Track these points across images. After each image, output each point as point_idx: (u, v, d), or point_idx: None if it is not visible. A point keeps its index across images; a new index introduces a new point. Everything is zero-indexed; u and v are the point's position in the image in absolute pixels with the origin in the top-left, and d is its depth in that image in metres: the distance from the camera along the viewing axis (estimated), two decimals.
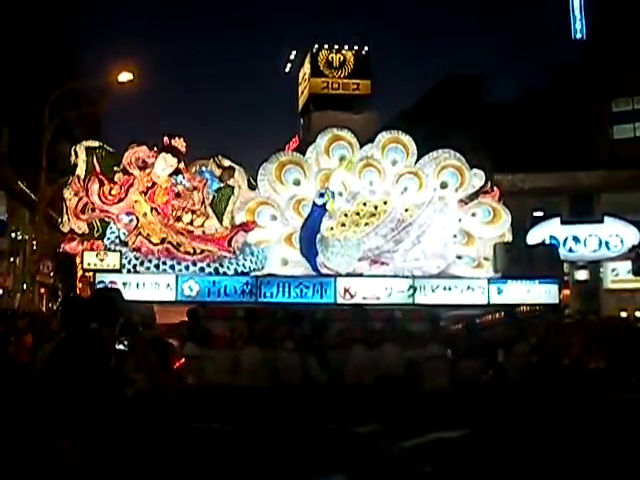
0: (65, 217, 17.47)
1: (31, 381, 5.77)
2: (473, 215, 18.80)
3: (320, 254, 17.41)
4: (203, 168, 18.12)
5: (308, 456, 11.51)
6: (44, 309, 33.57)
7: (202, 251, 17.37)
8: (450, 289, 17.58)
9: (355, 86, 76.65)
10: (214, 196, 17.86)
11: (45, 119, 28.17)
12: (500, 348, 16.76)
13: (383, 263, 18.05)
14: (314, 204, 17.47)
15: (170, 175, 17.56)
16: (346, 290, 17.06)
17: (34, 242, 31.90)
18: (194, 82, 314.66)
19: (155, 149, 17.67)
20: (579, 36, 40.34)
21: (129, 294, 14.78)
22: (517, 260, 18.18)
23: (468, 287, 17.69)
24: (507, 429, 13.48)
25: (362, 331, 16.17)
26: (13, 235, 35.37)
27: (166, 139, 17.71)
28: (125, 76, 28.01)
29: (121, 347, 6.23)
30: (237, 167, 18.27)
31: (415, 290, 17.30)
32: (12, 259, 35.83)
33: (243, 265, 17.29)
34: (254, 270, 17.38)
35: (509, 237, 19.11)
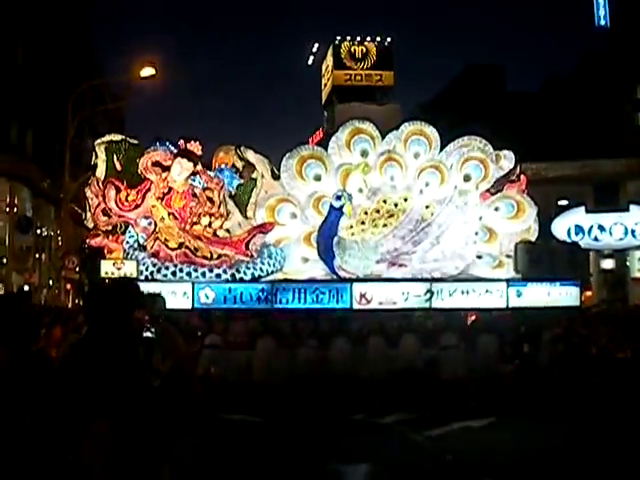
0: (89, 214, 17.57)
1: (57, 374, 5.81)
2: (496, 210, 18.43)
3: (337, 257, 17.28)
4: (223, 166, 18.05)
5: (334, 445, 11.62)
6: (70, 304, 33.84)
7: (219, 256, 17.33)
8: (468, 293, 17.24)
9: (378, 77, 76.28)
10: (237, 190, 17.83)
11: (68, 117, 28.32)
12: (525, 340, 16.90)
13: (401, 265, 17.80)
14: (331, 206, 17.32)
15: (187, 178, 17.51)
16: (362, 295, 16.85)
17: (59, 238, 32.19)
18: (217, 78, 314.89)
19: (172, 151, 17.63)
20: (602, 23, 40.04)
21: None
22: (538, 261, 17.86)
23: (486, 290, 17.31)
24: (533, 417, 13.55)
25: (379, 324, 16.40)
26: (39, 232, 35.74)
27: (182, 143, 17.66)
28: (147, 71, 28.10)
29: (149, 334, 6.29)
30: (261, 157, 18.18)
31: (432, 294, 16.99)
32: (38, 255, 36.18)
33: (260, 269, 17.21)
34: (272, 273, 17.33)
35: (535, 228, 18.85)
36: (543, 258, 18.02)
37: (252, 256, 17.32)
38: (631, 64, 36.65)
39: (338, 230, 17.40)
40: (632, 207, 32.44)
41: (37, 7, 35.38)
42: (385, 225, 17.84)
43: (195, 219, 17.43)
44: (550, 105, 38.29)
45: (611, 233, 32.31)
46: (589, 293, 30.66)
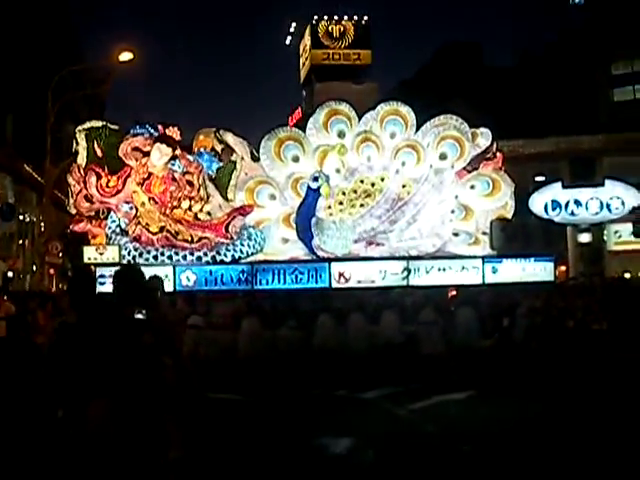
0: (71, 200, 17.78)
1: (44, 361, 5.96)
2: (472, 188, 18.79)
3: (315, 237, 17.57)
4: (202, 150, 18.25)
5: (316, 421, 11.93)
6: (54, 289, 33.97)
7: (200, 239, 17.66)
8: (445, 270, 17.58)
9: (356, 56, 76.31)
10: (217, 174, 18.07)
11: (48, 103, 28.37)
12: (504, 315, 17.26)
13: (379, 244, 18.12)
14: (308, 188, 17.64)
15: (166, 163, 17.76)
16: (341, 274, 17.17)
17: (42, 224, 32.27)
18: (196, 59, 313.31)
19: (152, 135, 17.82)
20: (577, 0, 40.40)
21: None
22: (513, 238, 18.20)
23: (463, 267, 17.66)
24: (512, 389, 13.91)
25: (359, 302, 16.75)
26: (21, 217, 35.73)
27: (160, 128, 17.92)
28: (126, 55, 28.19)
29: (139, 316, 6.52)
30: (240, 139, 18.39)
31: (409, 272, 17.32)
32: (21, 241, 36.25)
33: (240, 250, 17.54)
34: (252, 254, 17.64)
35: (511, 205, 19.16)
36: (518, 235, 18.37)
37: (232, 238, 17.61)
38: (606, 41, 36.99)
39: (316, 211, 17.69)
40: (607, 182, 32.80)
41: None
42: (362, 205, 18.15)
43: (175, 203, 17.70)
44: (526, 82, 38.58)
45: (587, 208, 32.68)
46: (563, 268, 31.05)
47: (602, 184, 33.08)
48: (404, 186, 18.36)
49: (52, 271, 36.23)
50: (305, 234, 17.63)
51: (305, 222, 17.59)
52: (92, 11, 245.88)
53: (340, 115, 18.62)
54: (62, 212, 39.84)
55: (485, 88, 37.88)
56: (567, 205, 32.25)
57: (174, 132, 17.89)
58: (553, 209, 30.66)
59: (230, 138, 18.22)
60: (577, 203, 32.63)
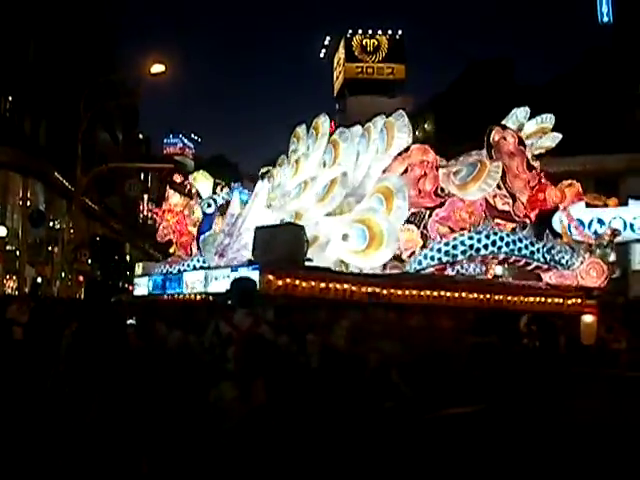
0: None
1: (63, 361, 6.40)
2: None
3: (205, 253, 19.10)
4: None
5: None
6: (82, 296, 34.48)
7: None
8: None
9: (390, 70, 76.72)
10: None
11: (81, 111, 28.84)
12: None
13: (222, 255, 18.82)
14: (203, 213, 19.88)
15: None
16: (187, 283, 18.44)
17: (71, 231, 32.80)
18: (230, 71, 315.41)
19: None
20: (605, 19, 40.44)
21: None
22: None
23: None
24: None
25: None
26: (51, 224, 36.43)
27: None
28: (158, 67, 28.75)
29: (131, 321, 6.97)
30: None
31: (207, 279, 18.08)
32: (50, 248, 36.82)
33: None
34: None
35: None
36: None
37: None
38: (633, 61, 37.00)
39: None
40: (631, 202, 32.86)
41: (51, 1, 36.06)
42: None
43: None
44: (555, 100, 38.63)
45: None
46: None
47: (626, 204, 33.19)
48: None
49: (81, 278, 36.83)
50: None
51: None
52: (131, 22, 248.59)
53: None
54: (91, 219, 40.70)
55: (514, 105, 37.97)
56: (590, 224, 32.36)
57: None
58: (576, 228, 30.73)
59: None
60: (600, 222, 32.73)
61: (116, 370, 5.88)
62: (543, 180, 20.30)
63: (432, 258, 18.03)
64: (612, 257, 20.45)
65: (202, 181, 20.56)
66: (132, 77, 37.68)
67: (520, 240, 18.28)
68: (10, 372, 12.20)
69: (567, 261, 19.24)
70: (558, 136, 21.41)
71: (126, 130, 60.15)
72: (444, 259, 17.92)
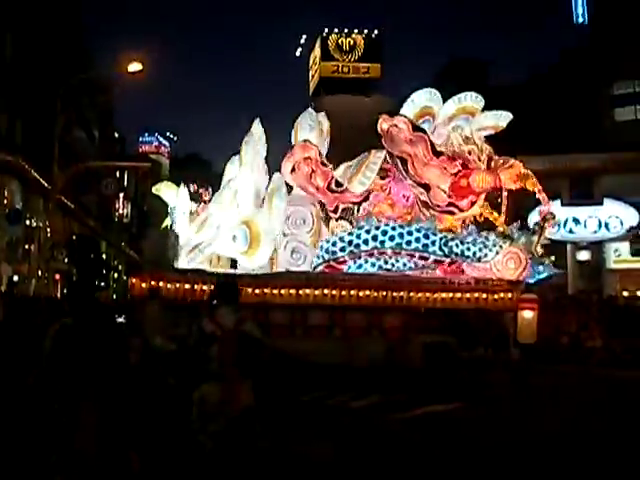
0: None
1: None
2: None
3: None
4: None
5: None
6: (59, 294, 34.38)
7: None
8: None
9: (365, 69, 76.57)
10: None
11: (57, 109, 28.72)
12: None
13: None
14: None
15: None
16: None
17: (48, 229, 32.65)
18: (204, 68, 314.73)
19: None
20: (581, 20, 40.77)
21: None
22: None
23: None
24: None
25: None
26: (28, 223, 36.12)
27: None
28: (135, 66, 28.75)
29: (121, 320, 6.99)
30: None
31: None
32: (27, 246, 36.59)
33: None
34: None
35: None
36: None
37: None
38: (609, 61, 37.28)
39: None
40: (606, 201, 33.26)
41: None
42: None
43: None
44: (530, 99, 38.86)
45: (585, 226, 33.14)
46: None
47: (601, 203, 33.53)
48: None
49: (57, 276, 36.66)
50: None
51: None
52: (105, 19, 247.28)
53: None
54: (68, 218, 40.51)
55: (488, 106, 38.22)
56: (566, 223, 32.69)
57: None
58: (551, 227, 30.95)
59: None
60: (576, 221, 33.08)
61: (116, 370, 5.83)
62: (471, 165, 19.39)
63: (319, 257, 18.28)
64: (542, 242, 19.29)
65: (166, 191, 20.20)
66: (108, 75, 37.54)
67: (410, 233, 17.87)
68: None
69: (474, 253, 18.28)
70: (508, 115, 20.88)
71: (102, 128, 59.94)
72: (326, 257, 18.10)
